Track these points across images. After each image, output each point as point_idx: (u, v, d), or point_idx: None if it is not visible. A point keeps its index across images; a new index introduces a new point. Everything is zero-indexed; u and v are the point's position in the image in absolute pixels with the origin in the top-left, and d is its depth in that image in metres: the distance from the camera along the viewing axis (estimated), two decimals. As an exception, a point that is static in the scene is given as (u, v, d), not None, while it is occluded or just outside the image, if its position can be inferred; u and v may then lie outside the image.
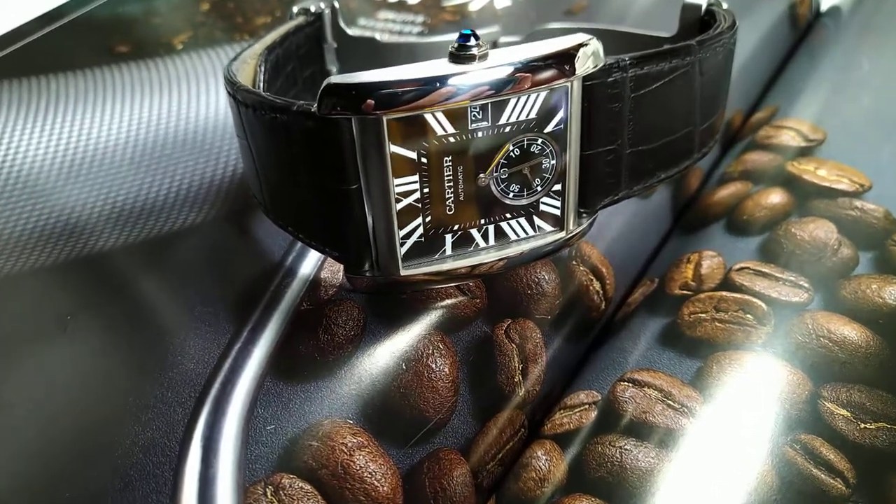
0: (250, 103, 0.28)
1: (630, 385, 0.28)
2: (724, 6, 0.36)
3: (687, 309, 0.31)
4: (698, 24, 0.36)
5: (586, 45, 0.26)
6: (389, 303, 0.29)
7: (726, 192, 0.36)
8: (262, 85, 0.33)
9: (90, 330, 0.30)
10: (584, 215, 0.30)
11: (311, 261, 0.31)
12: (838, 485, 0.24)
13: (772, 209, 0.34)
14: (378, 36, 0.40)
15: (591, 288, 0.32)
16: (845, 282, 0.30)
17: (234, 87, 0.29)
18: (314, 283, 0.30)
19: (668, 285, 0.32)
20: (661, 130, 0.30)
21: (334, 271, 0.30)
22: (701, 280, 0.32)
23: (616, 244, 0.34)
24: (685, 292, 0.32)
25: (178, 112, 0.45)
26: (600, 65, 0.27)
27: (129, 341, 0.29)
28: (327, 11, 0.39)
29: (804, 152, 0.37)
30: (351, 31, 0.39)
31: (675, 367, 0.29)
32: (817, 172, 0.35)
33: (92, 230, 0.37)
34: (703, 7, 0.35)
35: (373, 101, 0.24)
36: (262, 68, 0.34)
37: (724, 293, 0.31)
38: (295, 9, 0.39)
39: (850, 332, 0.28)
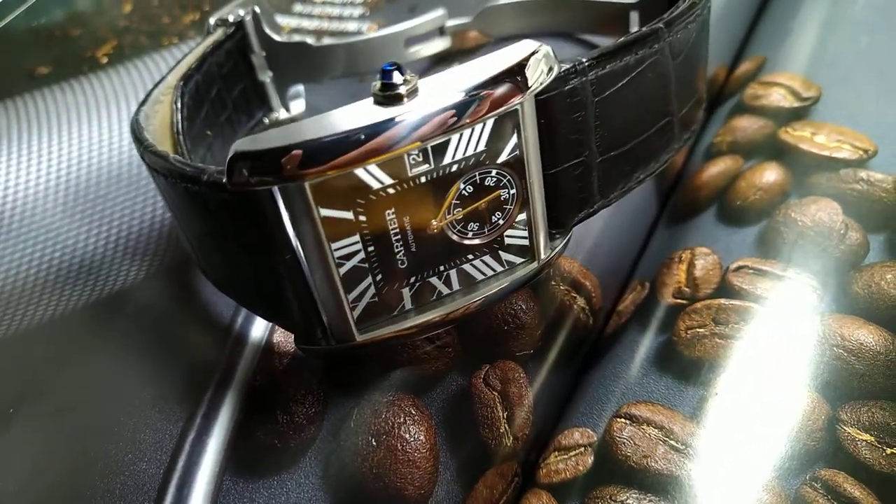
0: (159, 169, 0.24)
1: (627, 422, 0.26)
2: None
3: (683, 323, 0.28)
4: (666, -15, 0.31)
5: (535, 54, 0.22)
6: (350, 366, 0.26)
7: (715, 169, 0.33)
8: (180, 125, 0.29)
9: (32, 424, 0.28)
10: (558, 235, 0.26)
11: (261, 323, 0.28)
12: (866, 520, 0.22)
13: (767, 190, 0.31)
14: (310, 40, 0.35)
15: (575, 306, 0.29)
16: (857, 274, 0.27)
17: (141, 148, 0.25)
18: (267, 350, 0.27)
19: (661, 291, 0.29)
20: (635, 129, 0.26)
21: (287, 335, 0.27)
22: (696, 285, 0.29)
23: (598, 248, 0.31)
24: (679, 301, 0.28)
25: (111, 141, 0.41)
26: (553, 76, 0.23)
27: (75, 438, 0.27)
28: (248, 19, 0.34)
29: (798, 114, 0.33)
30: (279, 38, 0.35)
31: (675, 396, 0.26)
32: (815, 139, 0.31)
33: (27, 298, 0.34)
34: (670, -34, 0.31)
35: (289, 167, 0.20)
36: (179, 104, 0.30)
37: (722, 301, 0.27)
38: (212, 20, 0.34)
39: (867, 336, 0.25)
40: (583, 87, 0.24)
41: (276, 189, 0.21)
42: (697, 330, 0.27)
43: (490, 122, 0.22)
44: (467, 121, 0.21)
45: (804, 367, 0.25)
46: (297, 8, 0.46)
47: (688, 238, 0.31)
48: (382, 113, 0.21)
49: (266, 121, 0.37)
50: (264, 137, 0.21)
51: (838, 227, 0.28)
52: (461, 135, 0.22)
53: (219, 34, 0.33)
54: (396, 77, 0.21)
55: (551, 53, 0.23)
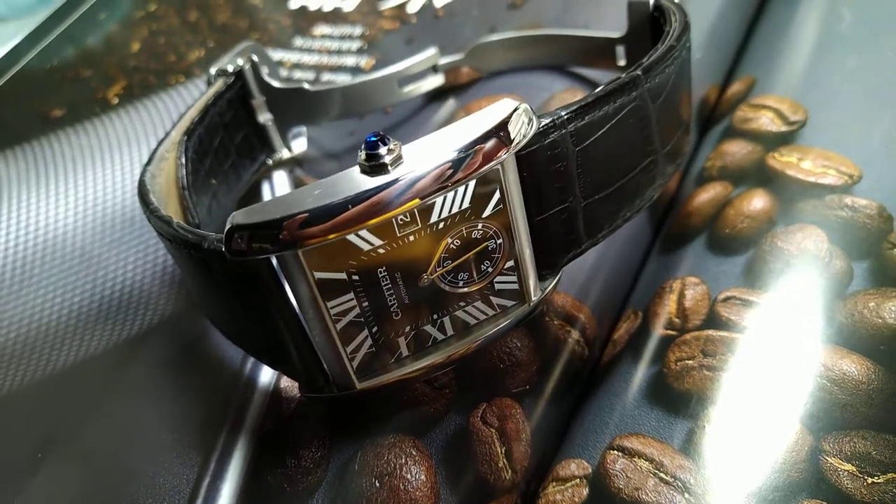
0: (164, 234, 0.25)
1: (620, 455, 0.27)
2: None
3: (673, 354, 0.29)
4: (648, 21, 0.32)
5: (515, 111, 0.23)
6: (353, 410, 0.27)
7: (706, 196, 0.34)
8: (185, 179, 0.31)
9: (59, 468, 0.29)
10: (548, 276, 0.28)
11: (268, 369, 0.29)
12: (850, 549, 0.23)
13: (755, 217, 0.31)
14: (306, 85, 0.36)
15: (569, 339, 0.30)
16: (841, 303, 0.28)
17: (147, 211, 0.27)
18: (275, 395, 0.28)
19: (652, 322, 0.30)
20: (618, 172, 0.27)
21: (293, 381, 0.29)
22: (686, 316, 0.29)
23: (591, 280, 0.32)
24: (670, 332, 0.29)
25: (124, 184, 0.43)
26: (532, 133, 0.24)
27: (100, 483, 0.28)
28: (247, 67, 0.35)
29: (785, 138, 0.34)
30: (277, 84, 0.36)
31: (665, 429, 0.27)
32: (801, 165, 0.32)
33: (50, 343, 0.35)
34: (651, 3, 0.32)
35: (283, 238, 0.22)
36: (183, 158, 0.31)
37: (710, 333, 0.28)
38: (213, 71, 0.35)
39: (849, 366, 0.26)
40: (563, 139, 0.25)
41: (272, 256, 0.22)
42: (686, 362, 0.28)
43: (472, 181, 0.23)
44: (451, 182, 0.22)
45: (789, 398, 0.26)
46: (298, 42, 0.47)
47: (679, 267, 0.32)
48: (368, 182, 0.22)
49: (270, 161, 0.38)
50: (259, 210, 0.22)
51: (823, 255, 0.29)
52: (445, 196, 0.23)
53: (219, 85, 0.35)
54: (380, 148, 0.22)
55: (530, 109, 0.24)
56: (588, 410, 0.30)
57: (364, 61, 0.43)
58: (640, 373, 0.29)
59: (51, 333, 0.36)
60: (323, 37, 0.47)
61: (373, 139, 0.22)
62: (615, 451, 0.27)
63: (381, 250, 0.23)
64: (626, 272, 0.34)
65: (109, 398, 0.31)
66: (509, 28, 0.41)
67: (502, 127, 0.23)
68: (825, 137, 0.33)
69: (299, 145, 0.39)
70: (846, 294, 0.28)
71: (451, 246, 0.24)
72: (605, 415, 0.29)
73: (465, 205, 0.24)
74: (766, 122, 0.35)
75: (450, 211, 0.23)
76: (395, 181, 0.22)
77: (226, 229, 0.22)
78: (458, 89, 0.38)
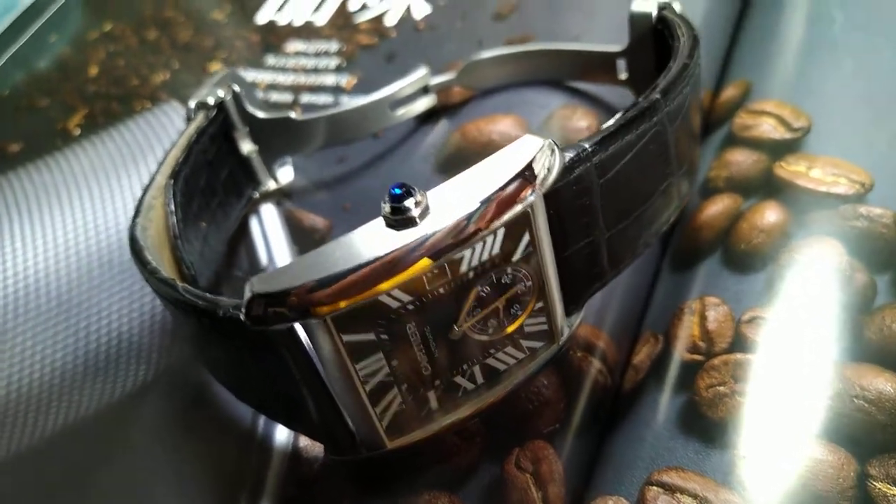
0: (167, 298, 0.23)
1: (661, 491, 0.26)
2: (678, 8, 0.31)
3: (703, 381, 0.28)
4: (651, 34, 0.31)
5: (541, 150, 0.22)
6: (381, 468, 0.26)
7: (715, 209, 0.33)
8: (176, 228, 0.29)
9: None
10: (574, 311, 0.26)
11: (284, 427, 0.28)
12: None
13: (770, 231, 0.31)
14: (293, 114, 0.34)
15: (592, 370, 0.29)
16: (867, 318, 0.27)
17: (145, 272, 0.25)
18: (295, 456, 0.27)
19: (675, 345, 0.29)
20: (639, 199, 0.26)
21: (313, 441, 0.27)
22: (710, 340, 0.29)
23: (606, 306, 0.31)
24: (696, 357, 0.29)
25: (96, 224, 0.40)
26: (559, 168, 0.23)
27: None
28: (229, 98, 0.33)
29: (789, 145, 0.33)
30: (262, 114, 0.34)
31: (705, 461, 0.26)
32: (810, 174, 0.32)
33: (35, 408, 0.33)
34: (654, 15, 0.31)
35: (309, 304, 0.20)
36: (172, 205, 0.29)
37: (738, 356, 0.28)
38: (192, 104, 0.33)
39: (884, 384, 0.26)
40: (587, 172, 0.24)
41: (296, 325, 0.21)
42: (718, 388, 0.27)
43: (502, 228, 0.22)
44: (483, 232, 0.21)
45: (827, 421, 0.25)
46: (270, 61, 0.45)
47: (695, 285, 0.31)
48: (398, 238, 0.20)
49: (257, 195, 0.36)
50: (280, 275, 0.20)
51: (844, 269, 0.29)
52: (474, 246, 0.22)
53: (200, 119, 0.33)
54: (408, 200, 0.20)
55: (555, 146, 0.23)
56: (617, 442, 0.29)
57: (345, 80, 0.41)
58: (669, 400, 0.28)
59: (33, 396, 0.33)
60: (297, 54, 0.45)
61: (398, 192, 0.21)
62: (655, 487, 0.26)
63: (411, 306, 0.22)
64: (639, 292, 0.33)
65: (104, 469, 0.29)
66: (497, 41, 0.39)
67: (529, 168, 0.22)
68: (829, 144, 0.33)
69: (285, 175, 0.37)
70: (872, 309, 0.27)
71: (481, 293, 0.23)
72: (637, 446, 0.28)
73: (495, 251, 0.22)
74: (769, 129, 0.34)
75: (480, 259, 0.22)
76: (426, 234, 0.20)
77: (245, 297, 0.20)
78: (450, 109, 0.37)
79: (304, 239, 0.35)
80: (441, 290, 0.22)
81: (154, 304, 0.35)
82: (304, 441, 0.27)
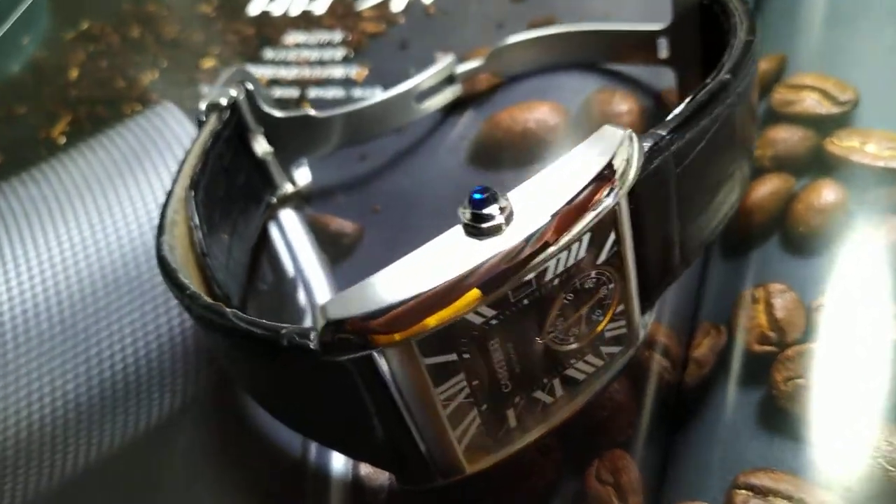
0: (217, 327, 0.21)
1: (751, 494, 0.24)
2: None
3: (779, 374, 0.26)
4: (697, 9, 0.29)
5: (623, 143, 0.20)
6: (457, 495, 0.24)
7: (765, 190, 0.31)
8: (202, 244, 0.26)
9: None
10: (647, 309, 0.25)
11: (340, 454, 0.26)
12: None
13: (828, 212, 0.29)
14: (312, 112, 0.32)
15: (658, 367, 0.28)
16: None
17: (185, 297, 0.22)
18: (357, 485, 0.25)
19: (743, 338, 0.28)
20: (712, 186, 0.25)
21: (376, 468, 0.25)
22: (781, 329, 0.27)
23: (662, 297, 0.30)
24: (767, 348, 0.27)
25: (96, 240, 0.37)
26: (639, 161, 0.21)
27: None
28: (242, 98, 0.31)
29: (837, 120, 0.32)
30: (278, 113, 0.31)
31: (791, 459, 0.25)
32: (865, 149, 0.30)
33: (50, 448, 0.30)
34: (702, -10, 0.29)
35: (395, 329, 0.18)
36: (196, 218, 0.27)
37: (815, 347, 0.26)
38: (203, 106, 0.30)
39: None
40: (666, 162, 0.22)
41: (375, 352, 0.19)
42: (797, 381, 0.26)
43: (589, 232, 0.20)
44: (574, 235, 0.19)
45: (920, 411, 0.24)
46: (269, 55, 0.42)
47: (753, 272, 0.30)
48: (485, 248, 0.18)
49: (275, 199, 0.34)
50: (359, 298, 0.18)
51: (919, 249, 0.27)
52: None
53: (213, 122, 0.30)
54: (492, 206, 0.18)
55: (635, 136, 0.21)
56: (690, 443, 0.27)
57: (354, 72, 0.39)
58: (742, 396, 0.27)
59: (46, 434, 0.30)
60: (298, 46, 0.42)
61: (480, 196, 0.18)
62: (744, 491, 0.25)
63: (494, 321, 0.20)
64: (691, 280, 0.32)
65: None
66: (518, 23, 0.37)
67: (613, 164, 0.20)
68: (878, 118, 0.31)
69: (303, 176, 0.35)
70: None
71: (565, 301, 0.21)
72: (714, 447, 0.26)
73: (581, 254, 0.20)
74: (813, 103, 0.33)
75: (566, 265, 0.20)
76: (515, 243, 0.18)
77: (320, 324, 0.18)
78: (476, 98, 0.35)
79: (331, 245, 0.32)
80: (525, 302, 0.20)
81: (171, 325, 0.32)
82: (365, 469, 0.25)
